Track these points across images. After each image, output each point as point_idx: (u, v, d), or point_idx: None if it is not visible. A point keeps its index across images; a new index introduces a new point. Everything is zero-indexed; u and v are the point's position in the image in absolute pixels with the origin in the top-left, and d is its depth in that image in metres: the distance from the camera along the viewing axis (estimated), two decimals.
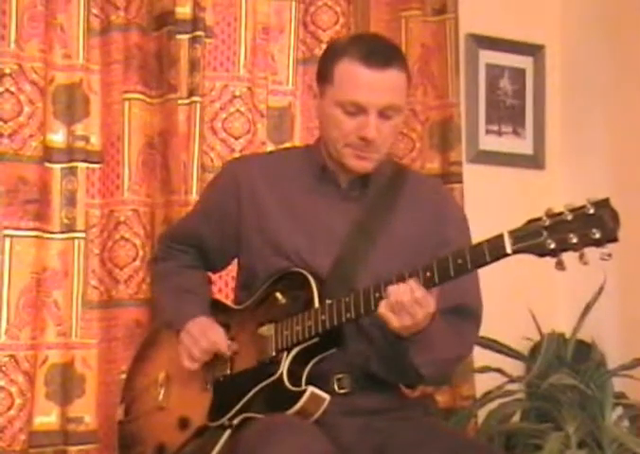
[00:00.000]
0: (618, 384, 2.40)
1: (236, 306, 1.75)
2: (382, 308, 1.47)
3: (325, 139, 1.66)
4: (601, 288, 2.38)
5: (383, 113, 1.58)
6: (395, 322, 1.47)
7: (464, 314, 1.64)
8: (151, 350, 1.86)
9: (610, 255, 1.30)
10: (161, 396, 1.74)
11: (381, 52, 1.58)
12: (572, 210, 1.32)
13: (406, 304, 1.44)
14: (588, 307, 2.43)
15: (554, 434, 2.22)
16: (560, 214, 1.33)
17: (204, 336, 1.64)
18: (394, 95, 1.58)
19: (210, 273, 1.88)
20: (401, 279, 1.46)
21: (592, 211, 1.30)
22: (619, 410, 2.39)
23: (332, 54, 1.63)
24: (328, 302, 1.53)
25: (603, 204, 1.30)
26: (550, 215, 1.34)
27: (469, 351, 1.74)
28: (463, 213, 1.78)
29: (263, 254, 1.67)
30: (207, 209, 1.78)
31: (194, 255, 1.81)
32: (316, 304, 1.55)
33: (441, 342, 1.56)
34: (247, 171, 1.72)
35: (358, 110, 1.57)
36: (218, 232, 1.74)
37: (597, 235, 1.29)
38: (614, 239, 1.29)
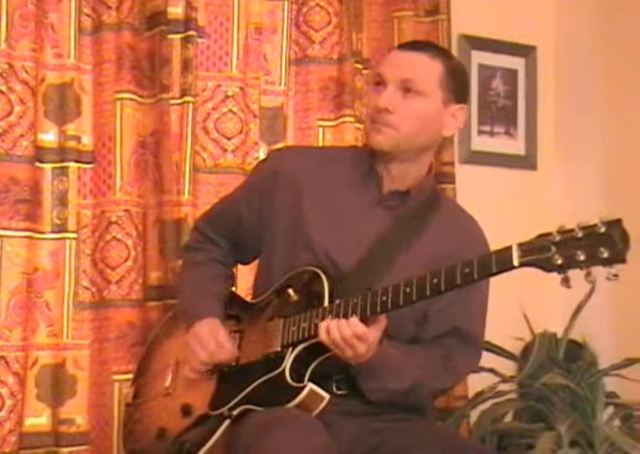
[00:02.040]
0: (610, 384, 2.41)
1: (250, 300, 1.77)
2: (323, 337, 1.50)
3: None
4: (592, 289, 2.37)
5: (404, 90, 1.61)
6: (336, 352, 1.50)
7: (461, 338, 1.66)
8: (164, 337, 1.87)
9: (616, 276, 1.29)
10: (168, 382, 1.75)
11: (418, 42, 1.71)
12: (583, 227, 1.32)
13: (346, 338, 1.47)
14: (579, 307, 2.44)
15: (546, 434, 2.23)
16: (571, 230, 1.33)
17: (202, 348, 1.65)
18: (413, 71, 1.62)
19: (243, 264, 1.90)
20: (342, 314, 1.50)
21: (603, 230, 1.30)
22: (610, 410, 2.40)
23: None
24: (336, 301, 1.54)
25: (615, 224, 1.30)
26: (561, 231, 1.34)
27: (455, 382, 1.73)
28: (489, 250, 1.71)
29: (290, 246, 1.67)
30: (249, 192, 1.78)
31: (226, 249, 1.81)
32: (326, 302, 1.56)
33: (395, 374, 1.57)
34: (292, 162, 1.74)
35: (382, 83, 1.63)
36: (255, 214, 1.74)
37: (605, 255, 1.29)
38: (622, 261, 1.29)
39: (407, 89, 1.62)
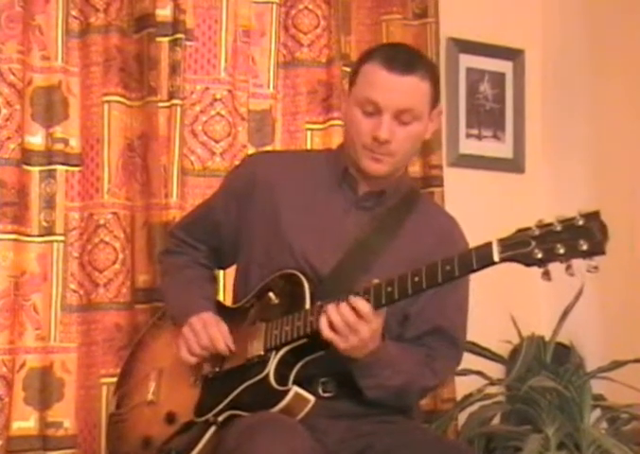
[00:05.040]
0: (597, 386, 2.42)
1: (230, 305, 1.77)
2: (327, 333, 1.48)
3: (346, 141, 1.70)
4: (580, 292, 2.40)
5: (399, 117, 1.60)
6: (342, 344, 1.49)
7: (443, 338, 1.66)
8: (146, 345, 1.86)
9: (596, 268, 1.30)
10: (151, 391, 1.75)
11: (404, 59, 1.62)
12: (562, 221, 1.33)
13: (350, 322, 1.46)
14: (567, 311, 2.45)
15: (533, 436, 2.23)
16: (550, 224, 1.34)
17: (206, 332, 1.64)
18: (411, 99, 1.60)
19: (220, 270, 1.89)
20: (355, 295, 1.48)
21: (581, 223, 1.31)
22: (598, 412, 2.40)
23: (360, 59, 1.69)
24: (318, 303, 1.54)
25: (593, 217, 1.31)
26: (540, 225, 1.35)
27: (439, 381, 1.73)
28: (467, 248, 1.72)
29: (268, 249, 1.68)
30: (225, 198, 1.78)
31: (205, 253, 1.81)
32: (307, 305, 1.56)
33: (394, 369, 1.57)
34: (267, 167, 1.74)
35: (375, 110, 1.60)
36: (232, 220, 1.74)
37: (585, 247, 1.30)
38: (602, 252, 1.30)
39: (404, 115, 1.60)
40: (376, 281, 1.48)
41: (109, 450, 1.84)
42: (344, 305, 1.47)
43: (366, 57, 1.67)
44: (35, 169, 2.15)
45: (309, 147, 2.40)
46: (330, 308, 1.48)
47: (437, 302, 1.63)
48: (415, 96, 1.61)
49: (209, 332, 1.64)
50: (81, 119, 2.21)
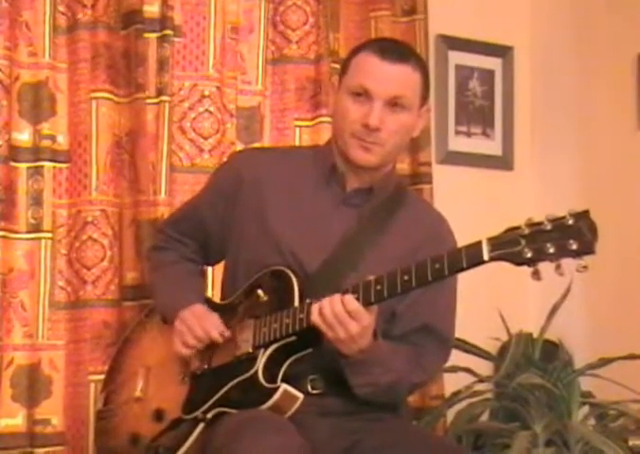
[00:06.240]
0: (585, 383, 2.43)
1: (219, 302, 1.77)
2: (315, 317, 1.49)
3: (335, 133, 1.69)
4: (568, 289, 2.40)
5: (390, 105, 1.60)
6: (329, 333, 1.49)
7: (431, 335, 1.66)
8: (134, 342, 1.86)
9: (586, 267, 1.30)
10: (139, 388, 1.75)
11: (397, 49, 1.65)
12: (551, 220, 1.33)
13: (338, 314, 1.46)
14: (555, 308, 2.45)
15: (522, 433, 2.23)
16: (540, 223, 1.34)
17: (199, 324, 1.64)
18: (402, 88, 1.61)
19: (208, 266, 1.89)
20: (344, 292, 1.49)
21: (571, 222, 1.31)
22: (586, 409, 2.41)
23: (352, 51, 1.70)
24: (307, 301, 1.53)
25: (583, 216, 1.31)
26: (530, 224, 1.35)
27: (427, 378, 1.74)
28: (455, 244, 1.72)
29: (256, 247, 1.68)
30: (212, 196, 1.78)
31: (193, 248, 1.82)
32: (296, 302, 1.56)
33: (385, 367, 1.57)
34: (254, 164, 1.74)
35: (366, 97, 1.60)
36: (219, 218, 1.74)
37: (574, 247, 1.30)
38: (592, 252, 1.30)
39: (394, 104, 1.61)
40: (371, 278, 1.48)
41: (97, 447, 1.84)
42: (336, 298, 1.48)
43: (359, 48, 1.68)
44: (22, 166, 2.14)
45: (297, 144, 2.40)
46: (324, 300, 1.49)
47: (426, 299, 1.63)
48: (406, 84, 1.62)
49: (202, 323, 1.64)
50: (69, 116, 2.20)
